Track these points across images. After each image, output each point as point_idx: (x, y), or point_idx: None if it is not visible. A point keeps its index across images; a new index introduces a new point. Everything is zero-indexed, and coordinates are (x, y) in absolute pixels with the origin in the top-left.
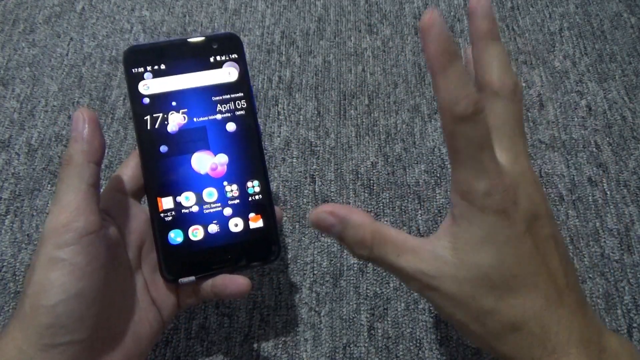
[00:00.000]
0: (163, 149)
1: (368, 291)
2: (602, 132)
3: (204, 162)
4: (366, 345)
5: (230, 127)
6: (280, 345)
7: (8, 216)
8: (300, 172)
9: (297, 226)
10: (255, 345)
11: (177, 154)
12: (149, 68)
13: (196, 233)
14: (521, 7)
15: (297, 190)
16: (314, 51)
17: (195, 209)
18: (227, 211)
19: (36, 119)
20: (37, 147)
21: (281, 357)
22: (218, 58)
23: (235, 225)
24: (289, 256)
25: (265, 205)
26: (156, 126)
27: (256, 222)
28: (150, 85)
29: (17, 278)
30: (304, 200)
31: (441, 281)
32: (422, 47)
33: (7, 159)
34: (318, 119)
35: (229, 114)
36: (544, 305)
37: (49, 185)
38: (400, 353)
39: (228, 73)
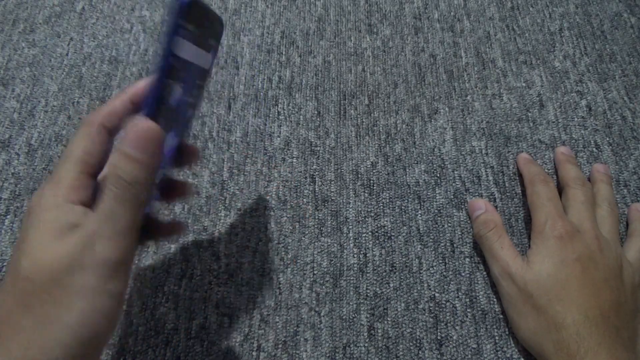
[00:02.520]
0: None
1: (368, 291)
2: (602, 132)
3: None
4: (366, 345)
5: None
6: (280, 345)
7: (8, 216)
8: (300, 172)
9: (297, 226)
10: (255, 345)
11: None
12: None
13: None
14: (521, 7)
15: (297, 190)
16: (314, 51)
17: None
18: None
19: (36, 119)
20: (37, 147)
21: (281, 357)
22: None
23: None
24: (289, 256)
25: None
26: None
27: None
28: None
29: None
30: (304, 200)
31: (516, 276)
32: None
33: (7, 159)
34: (318, 119)
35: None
36: (583, 321)
37: None
38: (400, 353)
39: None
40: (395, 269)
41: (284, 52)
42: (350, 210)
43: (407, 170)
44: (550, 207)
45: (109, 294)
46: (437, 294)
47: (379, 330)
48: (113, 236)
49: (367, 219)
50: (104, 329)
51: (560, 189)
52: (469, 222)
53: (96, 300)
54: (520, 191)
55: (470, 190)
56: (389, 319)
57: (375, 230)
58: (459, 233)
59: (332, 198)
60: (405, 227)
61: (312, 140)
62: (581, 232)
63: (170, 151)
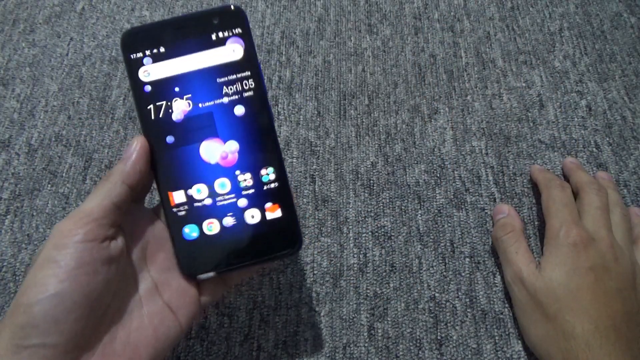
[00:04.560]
0: (169, 139)
1: (368, 291)
2: (602, 132)
3: (213, 150)
4: (366, 345)
5: (239, 110)
6: (280, 345)
7: (8, 216)
8: (300, 172)
9: None
10: (255, 345)
11: (185, 144)
12: (147, 52)
13: (211, 227)
14: (521, 7)
15: (297, 190)
16: (314, 51)
17: (208, 201)
18: (242, 202)
19: (36, 119)
20: (37, 147)
21: (281, 357)
22: (220, 34)
23: (252, 216)
24: None
25: (283, 193)
26: (160, 115)
27: (274, 212)
28: (151, 71)
29: (17, 278)
30: (304, 200)
31: (527, 282)
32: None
33: (7, 159)
34: (318, 119)
35: (237, 96)
36: (593, 331)
37: (49, 185)
38: (400, 353)
39: (232, 50)
40: (395, 269)
41: (284, 52)
42: (350, 210)
43: (407, 170)
44: (566, 213)
45: (52, 263)
46: (437, 294)
47: (379, 330)
48: (78, 214)
49: (367, 219)
50: (32, 297)
51: (575, 195)
52: (469, 222)
53: (38, 269)
54: (520, 191)
55: (470, 190)
56: (389, 319)
57: (375, 230)
58: (459, 233)
59: (332, 198)
60: (405, 227)
61: (312, 140)
62: (596, 240)
63: (225, 158)
